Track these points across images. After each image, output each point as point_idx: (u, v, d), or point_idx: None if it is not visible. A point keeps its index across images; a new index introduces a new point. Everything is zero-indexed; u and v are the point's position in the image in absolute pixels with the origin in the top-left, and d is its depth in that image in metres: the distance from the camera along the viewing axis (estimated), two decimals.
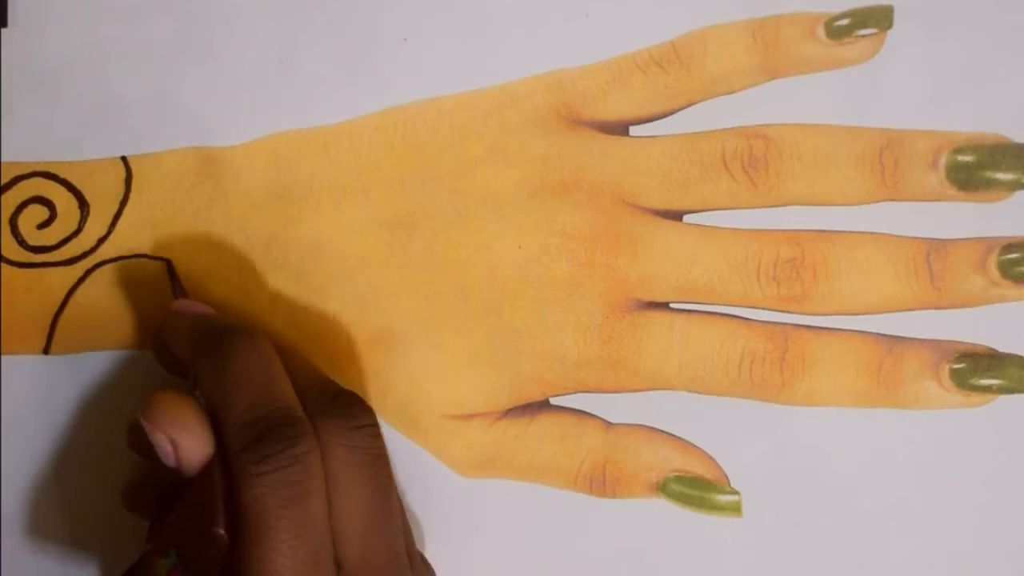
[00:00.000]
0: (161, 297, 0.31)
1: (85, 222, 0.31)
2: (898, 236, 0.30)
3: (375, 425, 0.27)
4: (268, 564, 0.24)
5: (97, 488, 0.31)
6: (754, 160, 0.31)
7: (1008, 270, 0.30)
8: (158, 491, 0.28)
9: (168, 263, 0.31)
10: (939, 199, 0.30)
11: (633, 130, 0.31)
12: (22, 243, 0.31)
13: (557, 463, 0.31)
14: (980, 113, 0.30)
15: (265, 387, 0.26)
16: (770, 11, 0.31)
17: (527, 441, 0.31)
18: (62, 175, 0.31)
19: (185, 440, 0.26)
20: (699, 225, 0.31)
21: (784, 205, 0.31)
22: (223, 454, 0.26)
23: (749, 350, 0.31)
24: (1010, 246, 0.30)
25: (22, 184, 0.31)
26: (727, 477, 0.31)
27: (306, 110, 0.31)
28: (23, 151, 0.31)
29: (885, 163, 0.30)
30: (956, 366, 0.30)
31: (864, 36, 0.30)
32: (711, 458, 0.31)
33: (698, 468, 0.31)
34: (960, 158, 0.30)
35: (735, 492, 0.31)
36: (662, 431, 0.31)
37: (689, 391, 0.31)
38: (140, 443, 0.28)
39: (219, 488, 0.25)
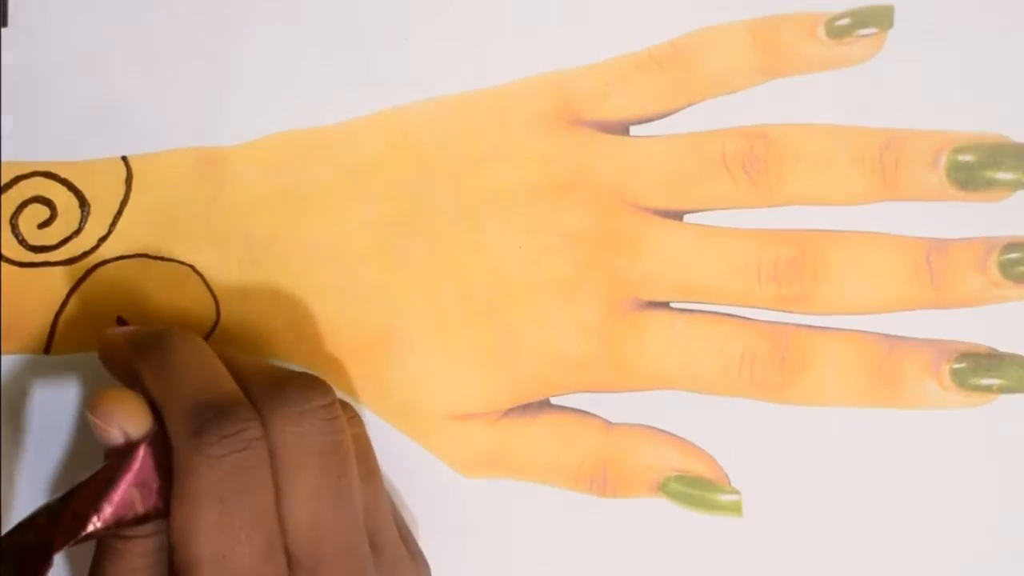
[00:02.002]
0: (161, 297, 0.31)
1: (85, 222, 0.31)
2: (898, 236, 0.30)
3: (329, 406, 0.26)
4: (226, 552, 0.24)
5: None
6: (754, 160, 0.31)
7: (1008, 270, 0.30)
8: None
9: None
10: (939, 199, 0.30)
11: (634, 130, 0.31)
12: (22, 243, 0.31)
13: (558, 463, 0.31)
14: (980, 113, 0.30)
15: (210, 375, 0.26)
16: (770, 11, 0.31)
17: (528, 441, 0.31)
18: (62, 175, 0.31)
19: (132, 428, 0.25)
20: (699, 225, 0.31)
21: (784, 205, 0.31)
22: (163, 447, 0.25)
23: (749, 350, 0.31)
24: (1010, 246, 0.30)
25: (22, 184, 0.31)
26: (727, 477, 0.31)
27: (306, 110, 0.31)
28: (23, 151, 0.31)
29: (885, 163, 0.30)
30: (956, 366, 0.30)
31: (864, 36, 0.30)
32: (712, 458, 0.31)
33: (699, 468, 0.31)
34: (960, 158, 0.30)
35: (735, 492, 0.31)
36: (663, 431, 0.31)
37: (690, 391, 0.31)
38: None
39: (129, 473, 0.25)
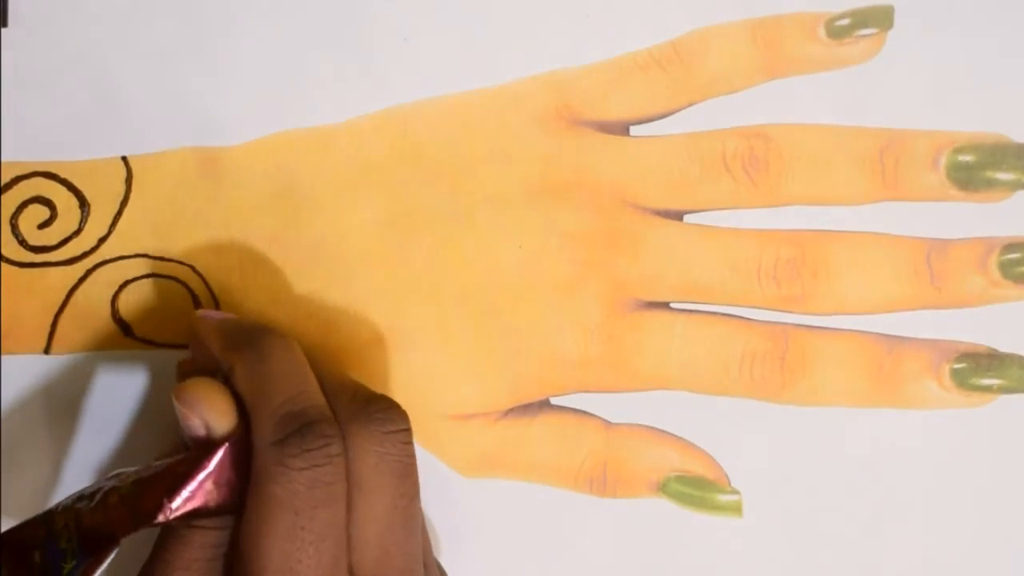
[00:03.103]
0: (162, 296, 0.31)
1: (85, 222, 0.31)
2: (898, 236, 0.31)
3: (408, 431, 0.26)
4: (293, 564, 0.24)
5: None
6: (755, 160, 0.31)
7: (1008, 270, 0.30)
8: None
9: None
10: (940, 199, 0.30)
11: (634, 130, 0.31)
12: (22, 243, 0.31)
13: (558, 463, 0.31)
14: (981, 113, 0.30)
15: (301, 385, 0.26)
16: (770, 11, 0.31)
17: (528, 441, 0.31)
18: (62, 175, 0.31)
19: (216, 423, 0.26)
20: (700, 225, 0.31)
21: (785, 205, 0.31)
22: (244, 446, 0.25)
23: (750, 350, 0.31)
24: (1010, 246, 0.30)
25: (22, 184, 0.31)
26: (727, 477, 0.31)
27: (306, 110, 0.31)
28: (23, 151, 0.31)
29: (885, 163, 0.30)
30: (956, 366, 0.30)
31: (864, 36, 0.30)
32: (711, 458, 0.31)
33: (699, 468, 0.31)
34: (961, 158, 0.30)
35: (735, 492, 0.31)
36: (663, 431, 0.31)
37: (690, 391, 0.31)
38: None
39: (206, 470, 0.25)
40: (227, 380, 0.26)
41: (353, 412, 0.26)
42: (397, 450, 0.26)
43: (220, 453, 0.25)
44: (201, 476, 0.25)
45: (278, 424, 0.25)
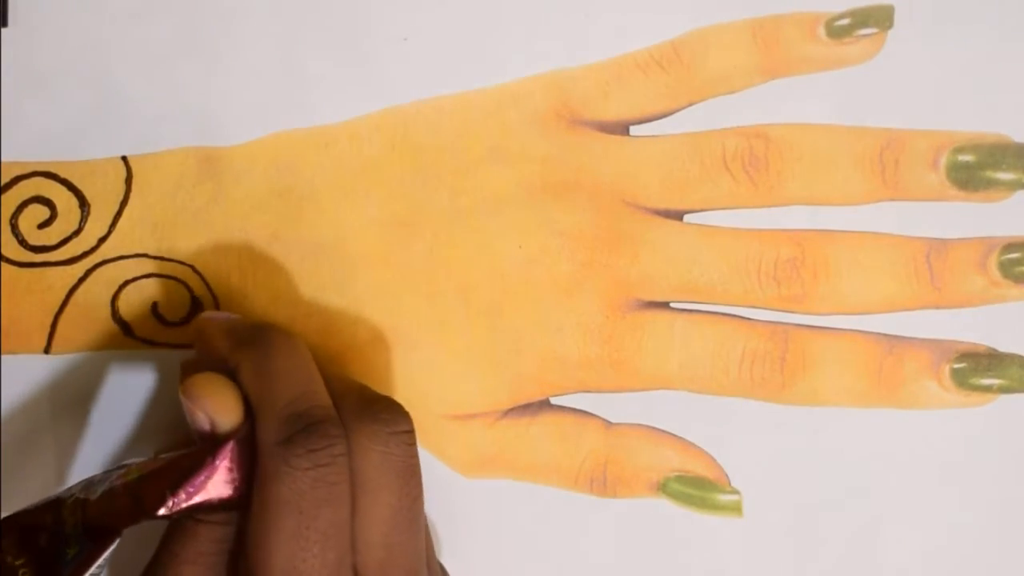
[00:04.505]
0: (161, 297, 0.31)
1: (85, 222, 0.31)
2: (898, 236, 0.31)
3: (411, 432, 0.26)
4: (298, 563, 0.24)
5: None
6: (755, 160, 0.31)
7: (1008, 270, 0.30)
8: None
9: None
10: (939, 199, 0.30)
11: (634, 130, 0.31)
12: (22, 243, 0.31)
13: (558, 463, 0.31)
14: (981, 113, 0.30)
15: (306, 385, 0.26)
16: (770, 11, 0.31)
17: (528, 441, 0.31)
18: (62, 175, 0.31)
19: (221, 419, 0.26)
20: (700, 225, 0.31)
21: (785, 205, 0.31)
22: (251, 444, 0.25)
23: (750, 350, 0.31)
24: (1010, 246, 0.30)
25: (22, 184, 0.31)
26: (727, 477, 0.31)
27: (306, 110, 0.31)
28: (23, 151, 0.31)
29: (885, 163, 0.30)
30: (956, 366, 0.30)
31: (864, 36, 0.30)
32: (711, 458, 0.31)
33: (699, 468, 0.31)
34: (960, 158, 0.30)
35: (735, 492, 0.31)
36: (663, 431, 0.31)
37: (690, 391, 0.31)
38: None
39: (211, 466, 0.25)
40: (234, 379, 0.26)
41: (358, 413, 0.26)
42: (401, 451, 0.26)
43: (225, 450, 0.25)
44: (205, 472, 0.25)
45: (283, 423, 0.25)
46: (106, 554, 0.25)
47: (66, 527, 0.25)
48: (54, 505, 0.25)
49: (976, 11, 0.30)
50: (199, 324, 0.29)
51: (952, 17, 0.30)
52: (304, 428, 0.25)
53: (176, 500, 0.25)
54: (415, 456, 0.26)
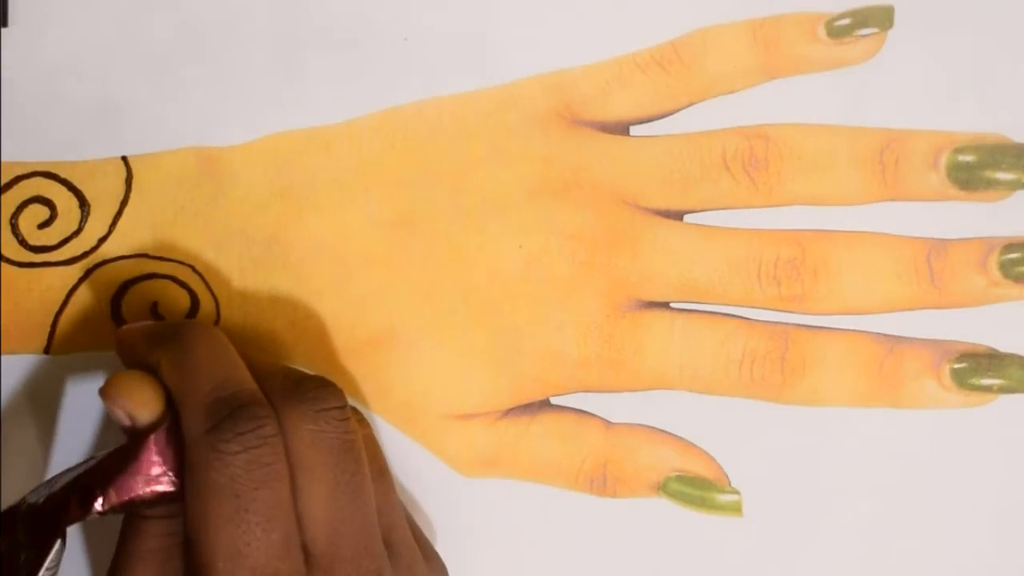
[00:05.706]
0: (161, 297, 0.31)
1: (85, 222, 0.31)
2: (898, 236, 0.31)
3: (343, 408, 0.26)
4: (242, 547, 0.24)
5: None
6: (755, 160, 0.31)
7: (1009, 270, 0.30)
8: None
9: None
10: (940, 199, 0.30)
11: (634, 130, 0.31)
12: (22, 243, 0.31)
13: (558, 463, 0.31)
14: (981, 113, 0.30)
15: (228, 371, 0.26)
16: (770, 11, 0.31)
17: (528, 441, 0.31)
18: (62, 175, 0.31)
19: (139, 413, 0.26)
20: (700, 225, 0.31)
21: (785, 205, 0.31)
22: (178, 436, 0.26)
23: (750, 350, 0.31)
24: (1010, 246, 0.30)
25: (22, 184, 0.31)
26: (727, 477, 0.31)
27: (306, 110, 0.31)
28: (23, 151, 0.31)
29: (886, 163, 0.30)
30: (956, 366, 0.30)
31: (864, 36, 0.30)
32: (711, 458, 0.31)
33: (699, 468, 0.31)
34: (961, 158, 0.30)
35: (735, 492, 0.31)
36: (663, 431, 0.31)
37: (690, 391, 0.31)
38: None
39: (135, 461, 0.25)
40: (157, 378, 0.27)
41: (285, 393, 0.26)
42: (332, 427, 0.26)
43: (148, 443, 0.26)
44: (131, 467, 0.25)
45: (208, 411, 0.25)
46: (52, 554, 0.25)
47: (19, 533, 0.25)
48: (11, 512, 0.26)
49: (976, 11, 0.30)
50: (119, 335, 0.29)
51: (952, 17, 0.30)
52: (230, 413, 0.25)
53: (107, 498, 0.25)
54: (349, 431, 0.26)
